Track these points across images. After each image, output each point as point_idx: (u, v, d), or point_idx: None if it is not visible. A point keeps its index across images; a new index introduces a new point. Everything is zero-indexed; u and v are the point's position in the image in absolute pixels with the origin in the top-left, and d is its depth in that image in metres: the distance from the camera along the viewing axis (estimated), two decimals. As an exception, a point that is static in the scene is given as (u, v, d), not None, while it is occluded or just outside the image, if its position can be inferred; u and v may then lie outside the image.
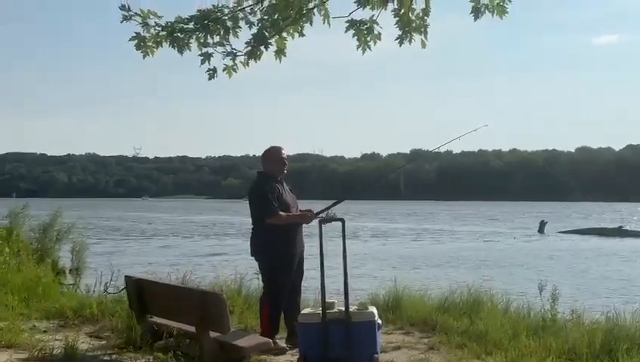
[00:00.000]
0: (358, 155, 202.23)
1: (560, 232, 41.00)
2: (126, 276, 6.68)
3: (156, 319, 6.19)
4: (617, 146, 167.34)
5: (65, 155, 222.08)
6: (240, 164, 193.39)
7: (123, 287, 6.82)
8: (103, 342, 6.32)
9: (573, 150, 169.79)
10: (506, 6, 4.35)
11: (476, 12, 4.38)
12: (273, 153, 6.34)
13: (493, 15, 4.38)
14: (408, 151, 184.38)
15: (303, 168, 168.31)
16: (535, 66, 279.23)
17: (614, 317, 6.40)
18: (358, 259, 20.44)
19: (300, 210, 6.31)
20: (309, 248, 6.36)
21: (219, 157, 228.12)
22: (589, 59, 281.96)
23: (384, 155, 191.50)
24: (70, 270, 14.29)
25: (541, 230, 41.39)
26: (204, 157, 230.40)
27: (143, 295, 6.26)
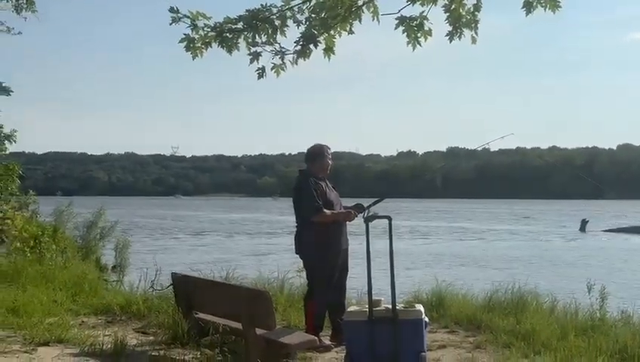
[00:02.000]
0: (394, 153, 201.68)
1: (602, 231, 40.31)
2: (173, 272, 6.77)
3: (202, 315, 6.25)
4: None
5: (104, 154, 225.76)
6: (275, 163, 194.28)
7: (170, 284, 6.91)
8: (151, 338, 6.41)
9: (614, 147, 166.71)
10: (559, 0, 4.29)
11: (528, 7, 4.33)
12: (318, 151, 6.35)
13: (545, 9, 4.32)
14: (445, 150, 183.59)
15: (338, 166, 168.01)
16: (573, 64, 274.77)
17: (665, 317, 6.27)
18: (397, 257, 20.32)
19: (346, 207, 6.31)
20: (353, 246, 6.37)
21: (255, 155, 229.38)
22: (627, 53, 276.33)
23: (420, 153, 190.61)
24: (113, 267, 14.54)
25: (583, 229, 40.75)
26: (240, 155, 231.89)
27: (190, 291, 6.33)
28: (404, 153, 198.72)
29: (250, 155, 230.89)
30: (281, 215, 53.40)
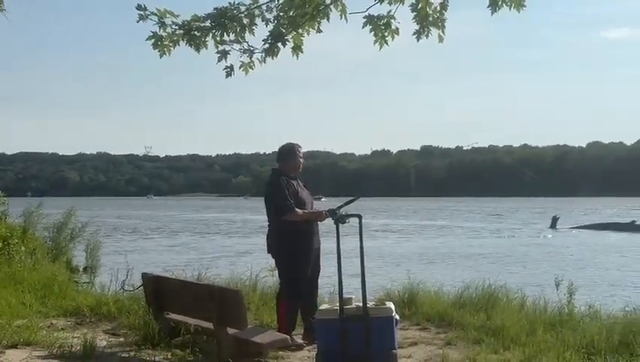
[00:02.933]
0: (369, 152, 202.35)
1: (572, 228, 40.83)
2: (143, 273, 6.71)
3: (173, 316, 6.22)
4: (629, 141, 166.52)
5: (76, 154, 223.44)
6: (250, 162, 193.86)
7: (140, 285, 6.85)
8: (121, 339, 6.35)
9: (584, 145, 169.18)
10: (524, -1, 4.33)
11: (494, 5, 4.36)
12: (289, 150, 6.33)
13: (510, 8, 4.36)
14: (418, 148, 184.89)
15: (314, 165, 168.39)
16: (545, 62, 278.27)
17: (632, 312, 6.36)
18: (370, 256, 20.41)
19: (316, 208, 6.32)
20: (325, 245, 6.37)
21: (229, 155, 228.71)
22: (600, 53, 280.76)
23: (394, 152, 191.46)
24: (84, 268, 14.36)
25: (553, 225, 41.23)
26: (214, 155, 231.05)
27: (161, 292, 6.29)
28: (379, 152, 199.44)
29: (225, 155, 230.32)
30: (254, 214, 53.33)
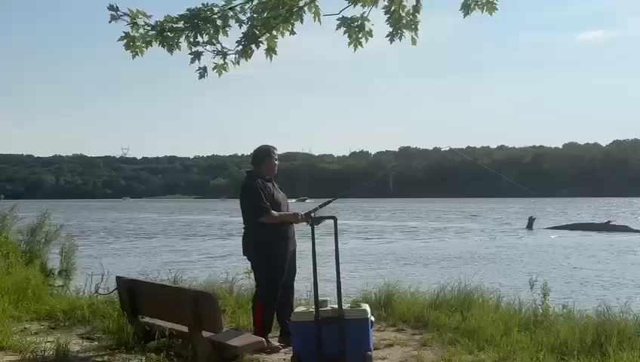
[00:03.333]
0: (347, 153, 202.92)
1: (548, 228, 41.22)
2: (117, 277, 6.64)
3: (148, 319, 6.17)
4: (604, 142, 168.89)
5: (52, 156, 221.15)
6: (228, 164, 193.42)
7: (114, 288, 6.79)
8: (95, 344, 6.28)
9: (560, 146, 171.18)
10: (496, 2, 4.36)
11: (466, 8, 4.39)
12: (263, 152, 6.32)
13: (482, 11, 4.38)
14: (397, 149, 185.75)
15: (292, 167, 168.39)
16: (523, 64, 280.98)
17: (605, 312, 6.42)
18: (348, 257, 20.46)
19: (292, 211, 6.31)
20: (301, 247, 6.36)
21: (207, 156, 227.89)
22: (575, 55, 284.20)
23: (373, 153, 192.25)
24: (60, 271, 14.18)
25: (530, 226, 41.60)
26: (192, 156, 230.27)
27: (135, 295, 6.23)
28: (357, 153, 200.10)
29: (203, 156, 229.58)
30: (231, 216, 53.18)
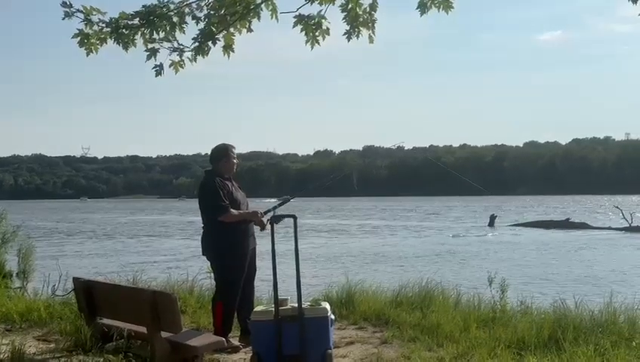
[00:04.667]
0: (311, 152, 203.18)
1: (510, 225, 41.81)
2: (74, 277, 6.54)
3: (106, 320, 6.08)
4: (564, 140, 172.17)
5: (10, 156, 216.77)
6: (191, 163, 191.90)
7: (71, 289, 6.68)
8: (52, 346, 6.18)
9: (521, 144, 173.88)
10: (452, 1, 4.39)
11: (422, 7, 4.41)
12: (222, 151, 6.27)
13: (439, 10, 4.41)
14: (361, 148, 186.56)
15: (256, 166, 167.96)
16: (484, 64, 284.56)
17: (561, 308, 6.53)
18: (309, 257, 20.47)
19: (251, 209, 6.28)
20: (261, 246, 6.34)
21: (170, 156, 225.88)
22: (534, 55, 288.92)
23: (337, 152, 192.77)
24: (17, 273, 13.90)
25: (491, 224, 42.16)
26: (155, 156, 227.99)
27: (92, 296, 6.14)
28: (321, 152, 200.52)
29: (166, 156, 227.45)
30: (190, 216, 52.82)
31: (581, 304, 6.61)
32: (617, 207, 40.95)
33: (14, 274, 13.70)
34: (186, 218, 56.39)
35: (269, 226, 5.73)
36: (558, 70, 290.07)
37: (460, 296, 7.68)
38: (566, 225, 39.64)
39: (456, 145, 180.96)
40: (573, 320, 5.99)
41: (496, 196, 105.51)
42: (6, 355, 5.57)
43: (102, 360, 5.56)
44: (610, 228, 37.81)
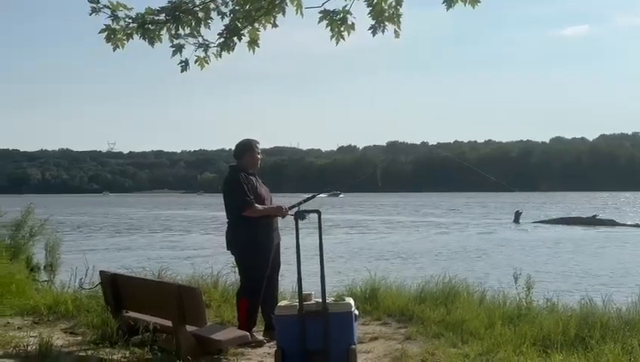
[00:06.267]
0: (335, 148, 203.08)
1: (535, 222, 41.41)
2: (101, 271, 6.62)
3: (132, 314, 6.15)
4: (591, 136, 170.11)
5: (38, 150, 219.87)
6: (216, 158, 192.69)
7: (98, 283, 6.76)
8: (79, 338, 6.27)
9: (547, 140, 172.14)
10: (478, -5, 4.35)
11: (449, 1, 4.38)
12: (246, 146, 6.30)
13: (465, 4, 4.38)
14: (385, 144, 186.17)
15: (280, 162, 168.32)
16: (507, 59, 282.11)
17: (588, 305, 6.47)
18: (333, 252, 20.47)
19: (275, 204, 6.30)
20: (285, 241, 6.35)
21: (194, 151, 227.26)
22: (560, 50, 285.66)
23: (361, 148, 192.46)
24: (45, 266, 14.12)
25: (516, 220, 41.76)
26: (179, 151, 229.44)
27: (119, 290, 6.22)
28: (345, 148, 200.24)
29: (190, 151, 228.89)
30: (212, 211, 53.10)
31: (608, 301, 6.55)
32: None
33: (42, 267, 13.95)
34: (206, 213, 56.71)
35: (289, 217, 5.77)
36: (583, 65, 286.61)
37: (485, 292, 7.65)
38: (593, 221, 39.16)
39: (480, 140, 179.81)
40: (600, 318, 5.93)
41: (521, 192, 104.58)
42: (34, 347, 5.65)
43: (128, 352, 5.63)
44: (638, 226, 37.29)
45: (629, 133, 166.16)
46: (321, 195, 6.22)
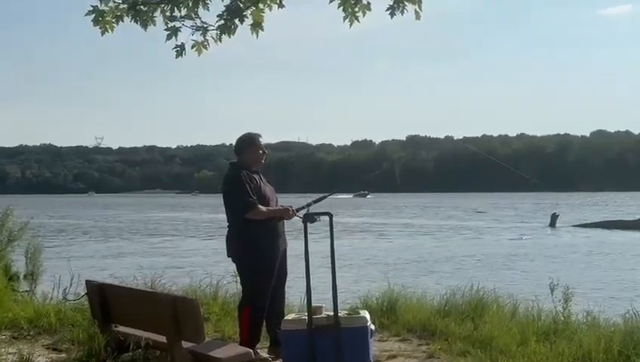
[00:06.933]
0: (349, 143, 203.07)
1: (574, 226, 41.32)
2: (87, 281, 6.65)
3: (122, 328, 6.18)
4: (637, 130, 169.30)
5: (17, 146, 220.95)
6: (215, 154, 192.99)
7: (84, 294, 6.80)
8: (63, 355, 6.32)
9: (588, 134, 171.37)
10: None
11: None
12: (248, 141, 6.31)
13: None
14: (404, 138, 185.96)
15: (287, 158, 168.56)
16: (540, 42, 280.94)
17: (633, 319, 6.44)
18: (345, 259, 20.49)
19: (281, 205, 6.31)
20: (293, 247, 6.37)
21: (191, 146, 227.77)
22: (600, 32, 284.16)
23: (377, 142, 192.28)
24: (25, 275, 14.17)
25: (552, 224, 41.71)
26: (174, 146, 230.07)
27: (107, 301, 6.24)
28: (360, 142, 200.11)
29: (186, 146, 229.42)
30: (210, 213, 53.29)
31: (656, 315, 6.52)
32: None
33: (22, 276, 13.99)
34: (204, 215, 56.90)
35: (297, 221, 5.78)
36: (627, 48, 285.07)
37: (517, 305, 7.61)
38: (638, 225, 39.00)
39: (512, 134, 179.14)
40: (646, 334, 5.90)
41: (558, 192, 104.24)
42: (13, 365, 5.71)
43: (117, 371, 5.67)
44: (690, 230, 37.12)
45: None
46: (344, 196, 6.25)
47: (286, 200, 6.60)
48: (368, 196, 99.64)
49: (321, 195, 6.27)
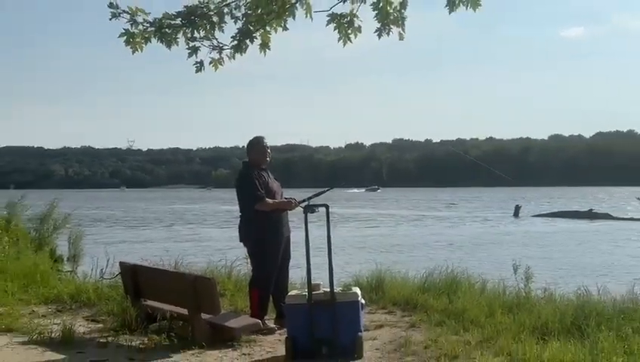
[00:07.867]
0: (343, 145, 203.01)
1: (534, 216, 41.30)
2: (121, 262, 6.67)
3: (150, 302, 6.19)
4: (588, 134, 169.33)
5: (61, 148, 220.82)
6: (230, 155, 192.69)
7: (118, 273, 6.81)
8: (100, 325, 6.32)
9: (546, 138, 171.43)
10: (479, -1, 4.33)
11: (451, 5, 4.36)
12: (255, 143, 6.34)
13: (467, 7, 4.37)
14: (391, 141, 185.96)
15: (291, 158, 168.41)
16: (505, 58, 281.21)
17: (584, 295, 6.45)
18: (341, 244, 20.48)
19: (285, 198, 6.32)
20: (296, 234, 6.37)
21: (209, 148, 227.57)
22: (558, 50, 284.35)
23: (367, 145, 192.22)
24: (68, 258, 14.16)
25: (516, 214, 41.69)
26: (195, 148, 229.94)
27: (138, 280, 6.26)
28: (352, 145, 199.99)
29: (205, 148, 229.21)
30: (224, 205, 53.29)
31: (604, 291, 6.53)
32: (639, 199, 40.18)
33: (65, 259, 14.00)
34: (219, 206, 56.84)
35: (300, 212, 5.78)
36: (581, 65, 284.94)
37: (486, 282, 7.63)
38: (589, 215, 39.01)
39: (482, 138, 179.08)
40: (595, 307, 5.89)
41: (520, 187, 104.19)
42: (57, 334, 5.71)
43: (146, 339, 5.67)
44: (632, 219, 37.12)
45: (624, 130, 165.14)
46: (354, 190, 6.27)
47: (290, 193, 6.59)
48: (378, 191, 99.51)
49: (320, 190, 6.27)
